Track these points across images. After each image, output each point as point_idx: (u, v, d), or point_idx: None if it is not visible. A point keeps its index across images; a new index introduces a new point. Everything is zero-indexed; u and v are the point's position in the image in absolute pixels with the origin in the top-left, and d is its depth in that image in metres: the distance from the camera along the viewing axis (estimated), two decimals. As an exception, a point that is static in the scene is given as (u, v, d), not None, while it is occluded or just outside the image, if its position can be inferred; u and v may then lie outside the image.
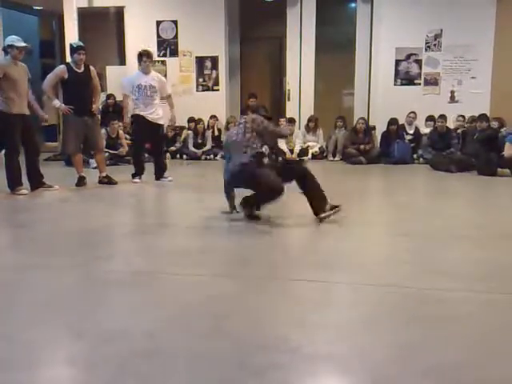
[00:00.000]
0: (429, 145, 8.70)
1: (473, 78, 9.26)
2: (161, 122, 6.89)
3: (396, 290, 2.85)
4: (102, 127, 8.63)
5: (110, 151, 8.60)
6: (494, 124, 8.06)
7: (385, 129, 9.12)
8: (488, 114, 8.33)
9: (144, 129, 6.70)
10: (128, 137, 8.96)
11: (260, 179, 4.28)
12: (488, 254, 3.54)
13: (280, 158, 9.12)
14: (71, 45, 6.41)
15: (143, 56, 6.70)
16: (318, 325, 2.43)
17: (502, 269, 3.22)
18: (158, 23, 9.93)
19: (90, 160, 7.82)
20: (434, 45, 9.32)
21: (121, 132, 8.91)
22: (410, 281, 3.00)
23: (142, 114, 6.65)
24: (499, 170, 7.25)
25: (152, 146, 7.07)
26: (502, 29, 8.99)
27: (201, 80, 10.08)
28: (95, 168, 7.00)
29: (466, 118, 8.90)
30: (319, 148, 9.49)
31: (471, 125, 8.46)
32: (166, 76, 9.83)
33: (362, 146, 8.99)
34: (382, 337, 2.29)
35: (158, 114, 6.77)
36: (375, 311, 2.58)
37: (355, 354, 2.14)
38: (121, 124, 8.70)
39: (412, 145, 9.03)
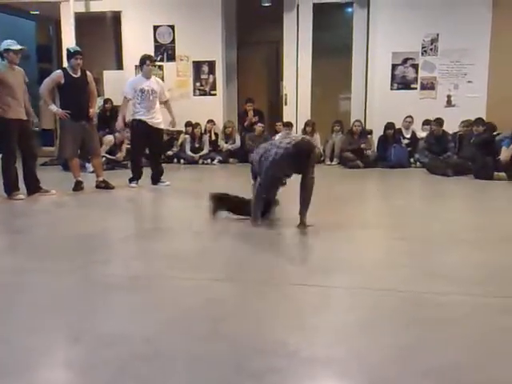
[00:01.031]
0: (426, 148, 8.72)
1: (469, 82, 9.29)
2: (161, 127, 6.88)
3: (394, 293, 2.85)
4: (103, 132, 8.67)
5: (108, 156, 8.61)
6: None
7: (381, 133, 9.14)
8: (484, 118, 8.35)
9: (144, 134, 6.68)
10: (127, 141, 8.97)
11: None
12: (486, 258, 3.55)
13: None
14: (68, 49, 6.41)
15: (146, 60, 6.70)
16: (317, 328, 2.43)
17: (499, 272, 3.23)
18: (155, 28, 9.95)
19: (87, 164, 7.81)
20: (431, 49, 9.35)
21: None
22: (408, 284, 3.00)
23: (143, 118, 6.62)
24: (495, 173, 7.27)
25: (151, 151, 7.04)
26: (497, 33, 9.03)
27: (198, 84, 10.09)
28: (92, 172, 6.99)
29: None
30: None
31: (467, 129, 8.48)
32: (163, 80, 9.86)
33: (362, 145, 9.01)
34: (380, 340, 2.29)
35: (158, 118, 6.75)
36: (374, 315, 2.58)
37: (354, 358, 2.14)
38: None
39: (409, 149, 9.05)
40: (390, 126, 9.05)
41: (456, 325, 2.45)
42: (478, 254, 3.68)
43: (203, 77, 10.06)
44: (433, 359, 2.09)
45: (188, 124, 9.62)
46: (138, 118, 6.67)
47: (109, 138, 8.76)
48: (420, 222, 4.79)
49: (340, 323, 2.50)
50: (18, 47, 5.72)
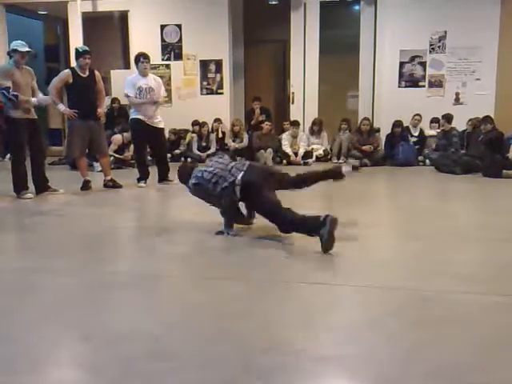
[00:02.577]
0: (436, 144, 8.73)
1: (477, 79, 9.25)
2: (161, 126, 6.86)
3: (401, 292, 2.85)
4: (111, 132, 8.70)
5: (116, 155, 8.63)
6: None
7: (389, 131, 9.12)
8: (493, 116, 8.30)
9: (144, 133, 6.67)
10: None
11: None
12: (494, 256, 3.54)
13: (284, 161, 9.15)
14: (77, 49, 6.43)
15: (140, 57, 6.68)
16: (323, 327, 2.43)
17: (507, 270, 3.21)
18: (162, 27, 9.97)
19: (95, 164, 7.85)
20: (439, 47, 9.31)
21: None
22: (415, 282, 2.99)
23: (141, 118, 6.61)
24: (504, 171, 7.23)
25: (153, 150, 7.05)
26: (506, 30, 8.98)
27: (205, 83, 10.10)
28: (100, 172, 7.02)
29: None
30: (323, 151, 9.49)
31: (475, 126, 8.44)
32: (170, 79, 9.89)
33: (366, 147, 8.98)
34: (386, 339, 2.29)
35: (157, 117, 6.75)
36: (380, 313, 2.57)
37: (360, 356, 2.14)
38: None
39: (416, 147, 9.02)
40: (397, 123, 9.02)
41: (464, 323, 2.44)
42: (486, 252, 3.67)
43: (210, 76, 10.06)
44: (441, 358, 2.09)
45: (195, 123, 9.63)
46: (135, 117, 6.67)
47: (117, 138, 8.79)
48: (427, 220, 4.77)
49: (347, 321, 2.49)
50: (25, 49, 5.73)
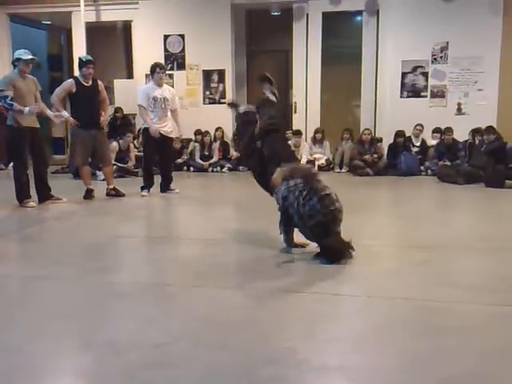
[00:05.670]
0: (436, 157, 8.72)
1: (480, 90, 9.26)
2: (172, 136, 6.94)
3: (405, 302, 2.83)
4: (113, 140, 8.71)
5: (119, 164, 8.64)
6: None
7: (391, 141, 9.12)
8: (495, 126, 8.30)
9: (156, 143, 6.69)
10: (135, 150, 9.04)
11: None
12: (497, 266, 3.52)
13: None
14: (80, 59, 6.46)
15: (157, 67, 6.71)
16: (327, 337, 2.41)
17: (511, 280, 3.20)
18: (166, 37, 10.02)
19: (98, 172, 7.86)
20: (441, 57, 9.33)
21: (131, 145, 8.99)
22: (419, 293, 2.98)
23: (155, 127, 6.64)
24: (507, 181, 7.22)
25: (161, 159, 7.05)
26: (508, 40, 8.99)
27: (208, 93, 10.14)
28: (103, 180, 7.03)
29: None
30: (326, 160, 9.50)
31: (479, 137, 8.44)
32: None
33: (367, 156, 8.98)
34: (391, 349, 2.28)
35: (170, 127, 6.79)
36: (384, 323, 2.56)
37: (364, 367, 2.12)
38: (130, 135, 8.86)
39: (419, 157, 9.02)
40: (399, 133, 9.03)
41: (468, 333, 2.42)
42: (489, 262, 3.66)
43: (213, 85, 10.10)
44: (445, 369, 2.07)
45: (197, 132, 9.66)
46: (148, 126, 6.68)
47: (113, 145, 8.78)
48: (431, 230, 4.76)
49: (351, 331, 2.48)
50: (29, 57, 5.78)
